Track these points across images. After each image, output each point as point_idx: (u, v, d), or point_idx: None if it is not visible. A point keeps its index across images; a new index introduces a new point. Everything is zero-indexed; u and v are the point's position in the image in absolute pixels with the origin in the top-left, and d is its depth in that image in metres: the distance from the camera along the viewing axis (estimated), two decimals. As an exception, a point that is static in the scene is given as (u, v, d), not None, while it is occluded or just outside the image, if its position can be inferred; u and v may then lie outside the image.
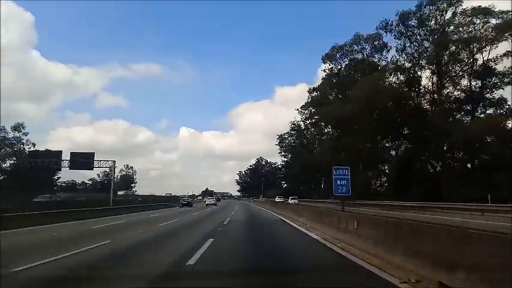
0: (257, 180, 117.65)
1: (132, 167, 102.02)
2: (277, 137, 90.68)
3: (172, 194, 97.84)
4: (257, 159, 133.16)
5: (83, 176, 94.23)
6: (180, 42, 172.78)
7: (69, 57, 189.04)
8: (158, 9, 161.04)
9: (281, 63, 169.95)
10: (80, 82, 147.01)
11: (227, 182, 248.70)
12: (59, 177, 70.06)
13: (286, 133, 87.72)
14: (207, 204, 50.75)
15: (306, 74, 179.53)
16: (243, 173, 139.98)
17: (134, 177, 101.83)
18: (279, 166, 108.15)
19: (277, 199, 55.05)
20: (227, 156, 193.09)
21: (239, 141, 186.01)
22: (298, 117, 73.61)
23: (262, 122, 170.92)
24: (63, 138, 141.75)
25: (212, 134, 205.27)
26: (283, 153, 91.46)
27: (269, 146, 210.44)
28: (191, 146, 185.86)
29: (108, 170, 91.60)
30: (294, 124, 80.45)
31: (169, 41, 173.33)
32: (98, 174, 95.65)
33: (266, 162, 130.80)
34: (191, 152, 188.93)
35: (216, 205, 50.38)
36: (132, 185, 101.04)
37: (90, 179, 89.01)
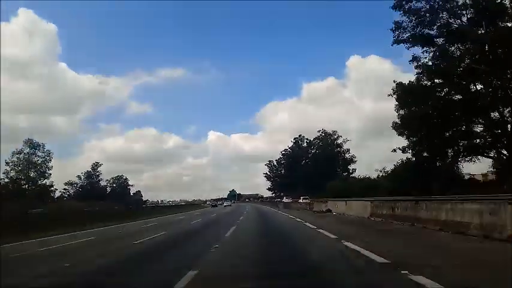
0: (297, 170, 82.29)
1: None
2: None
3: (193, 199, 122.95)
4: (295, 139, 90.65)
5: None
6: (202, 43, 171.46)
7: (94, 68, 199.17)
8: (177, 10, 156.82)
9: (308, 58, 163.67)
10: (108, 92, 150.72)
11: (258, 184, 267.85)
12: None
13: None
14: (225, 206, 73.47)
15: (334, 67, 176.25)
16: (275, 163, 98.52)
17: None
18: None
19: None
20: (257, 157, 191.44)
21: (268, 141, 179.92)
22: None
23: (290, 121, 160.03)
24: (97, 150, 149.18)
25: (240, 137, 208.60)
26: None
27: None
28: (220, 149, 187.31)
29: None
30: None
31: (192, 43, 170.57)
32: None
33: (309, 142, 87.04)
34: (221, 155, 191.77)
35: (231, 206, 74.45)
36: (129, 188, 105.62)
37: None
